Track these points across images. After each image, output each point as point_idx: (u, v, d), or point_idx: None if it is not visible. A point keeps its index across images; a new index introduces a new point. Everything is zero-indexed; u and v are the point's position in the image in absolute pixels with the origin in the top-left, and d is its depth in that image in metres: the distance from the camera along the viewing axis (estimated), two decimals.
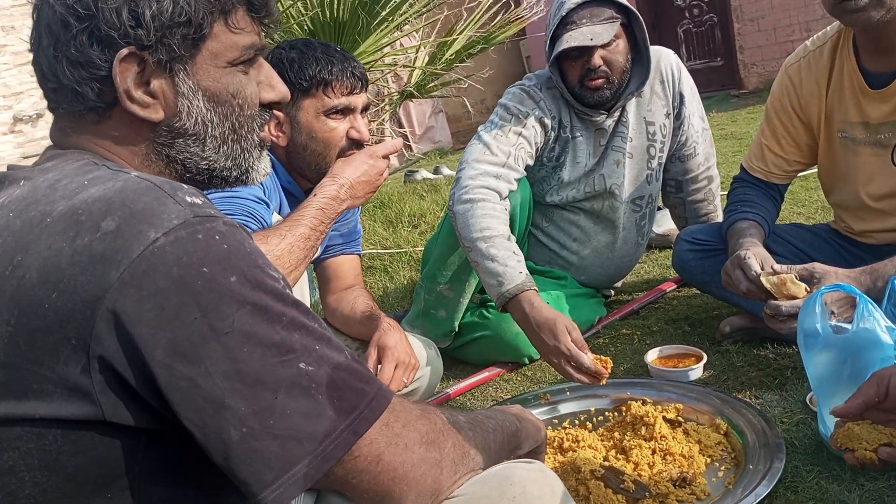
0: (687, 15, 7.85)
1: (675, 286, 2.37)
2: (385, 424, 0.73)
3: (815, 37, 1.83)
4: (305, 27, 3.52)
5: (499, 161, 1.92)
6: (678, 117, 2.15)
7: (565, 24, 1.92)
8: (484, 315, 2.06)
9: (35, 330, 0.66)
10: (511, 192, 1.93)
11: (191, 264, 0.66)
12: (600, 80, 1.95)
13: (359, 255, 1.94)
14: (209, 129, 0.84)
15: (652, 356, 1.83)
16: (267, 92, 0.89)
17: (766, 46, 6.99)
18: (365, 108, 1.65)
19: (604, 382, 1.58)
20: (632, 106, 2.09)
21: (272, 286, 0.70)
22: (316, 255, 1.73)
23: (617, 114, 2.08)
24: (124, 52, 0.78)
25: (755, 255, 1.62)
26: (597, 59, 1.92)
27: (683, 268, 2.02)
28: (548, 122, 2.02)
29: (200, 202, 0.71)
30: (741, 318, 1.87)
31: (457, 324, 2.06)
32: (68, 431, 0.66)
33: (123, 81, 0.79)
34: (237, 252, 0.69)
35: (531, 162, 2.02)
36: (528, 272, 1.78)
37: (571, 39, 1.89)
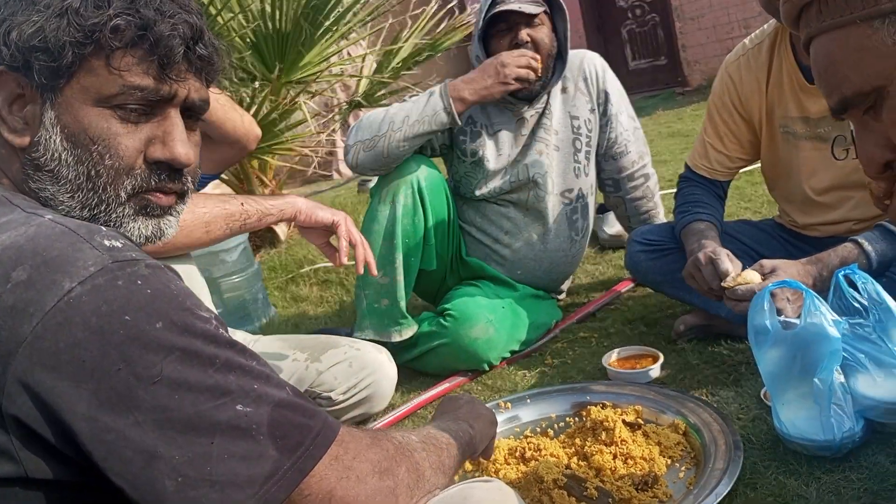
0: (630, 15, 7.97)
1: (630, 286, 2.39)
2: (334, 458, 0.71)
3: (753, 35, 1.86)
4: (248, 39, 3.47)
5: (390, 110, 2.06)
6: (604, 114, 2.22)
7: (495, 4, 2.03)
8: (441, 324, 2.05)
9: None
10: None
11: (111, 313, 0.63)
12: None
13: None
14: (62, 170, 0.77)
15: (610, 358, 1.83)
16: (156, 149, 0.80)
17: (707, 44, 7.14)
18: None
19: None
20: (556, 100, 2.17)
21: (202, 328, 0.67)
22: None
23: (541, 106, 2.15)
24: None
25: (725, 254, 1.62)
26: (524, 34, 2.04)
27: (636, 269, 2.04)
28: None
29: (120, 245, 0.68)
30: (695, 317, 1.89)
31: (403, 306, 2.04)
32: None
33: None
34: (162, 296, 0.66)
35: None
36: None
37: (502, 6, 2.01)
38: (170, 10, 0.78)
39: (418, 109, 1.97)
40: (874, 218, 1.69)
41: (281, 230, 3.82)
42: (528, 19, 2.04)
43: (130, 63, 0.77)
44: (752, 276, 1.55)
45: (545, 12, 2.08)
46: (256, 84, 3.48)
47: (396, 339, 2.02)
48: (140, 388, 0.62)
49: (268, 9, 3.26)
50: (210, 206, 1.42)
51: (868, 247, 1.53)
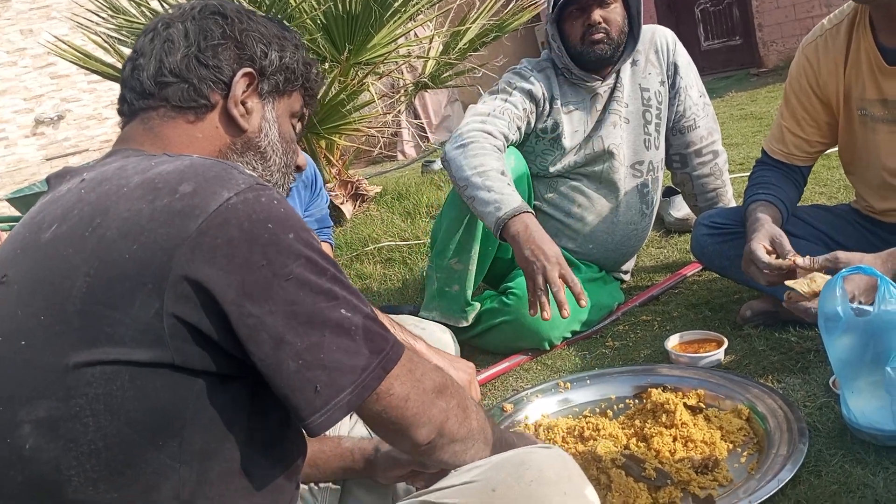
0: None
1: (696, 270, 2.35)
2: (407, 369, 0.84)
3: (831, 15, 1.80)
4: (318, 21, 3.53)
5: (483, 112, 2.07)
6: (673, 86, 2.21)
7: None
8: (504, 302, 2.07)
9: (113, 278, 0.73)
10: (504, 135, 2.03)
11: (259, 220, 0.77)
12: (600, 35, 2.06)
13: (331, 244, 2.00)
14: (272, 155, 1.02)
15: (672, 342, 1.82)
16: (299, 158, 1.09)
17: (785, 24, 6.87)
18: None
19: (567, 315, 1.71)
20: (626, 73, 2.17)
21: (317, 247, 0.82)
22: None
23: (612, 80, 2.16)
24: (248, 69, 0.97)
25: (761, 246, 1.61)
26: (596, 15, 2.05)
27: (702, 252, 2.00)
28: (537, 94, 2.12)
29: (257, 175, 0.87)
30: (762, 302, 1.86)
31: (470, 294, 2.07)
32: (136, 375, 0.73)
33: (237, 89, 0.96)
34: (291, 216, 0.80)
35: (521, 124, 2.11)
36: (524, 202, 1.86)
37: None
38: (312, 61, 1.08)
39: (483, 202, 1.85)
40: None
41: (347, 209, 3.89)
42: (601, 1, 2.03)
43: (303, 96, 1.07)
44: (821, 280, 1.50)
45: None
46: (326, 65, 3.54)
47: (462, 324, 2.06)
48: (276, 283, 0.76)
49: None
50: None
51: None
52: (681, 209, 2.78)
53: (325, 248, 2.05)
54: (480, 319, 2.10)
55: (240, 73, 0.97)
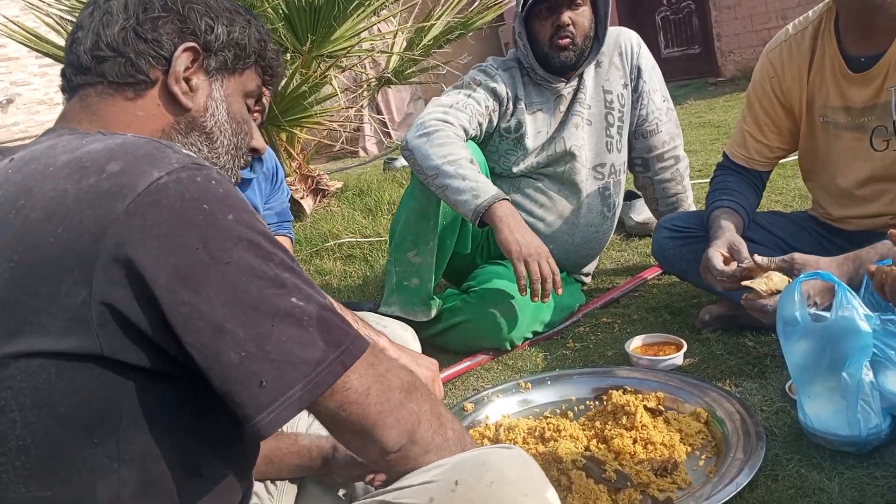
0: (664, 2, 7.84)
1: (656, 273, 2.37)
2: (370, 364, 0.78)
3: (795, 21, 1.82)
4: (280, 11, 3.47)
5: (446, 103, 2.06)
6: (636, 90, 2.22)
7: None
8: (466, 300, 2.06)
9: (38, 263, 0.69)
10: (464, 129, 2.03)
11: (192, 200, 0.71)
12: (567, 40, 2.06)
13: (291, 239, 1.97)
14: (219, 136, 0.96)
15: (633, 345, 1.82)
16: (254, 140, 1.03)
17: (742, 34, 7.02)
18: None
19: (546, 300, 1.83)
20: (590, 75, 2.18)
21: (262, 229, 0.76)
22: None
23: (575, 81, 2.17)
24: (191, 44, 0.91)
25: (718, 253, 1.64)
26: (565, 17, 2.05)
27: (663, 255, 2.02)
28: (501, 92, 2.12)
29: (195, 155, 0.79)
30: (720, 306, 1.88)
31: (431, 288, 2.05)
32: (63, 368, 0.69)
33: (178, 64, 0.90)
34: (232, 196, 0.75)
35: (482, 121, 2.10)
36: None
37: None
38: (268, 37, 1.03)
39: (458, 190, 1.86)
40: None
41: (307, 204, 3.83)
42: (570, 2, 2.04)
43: (259, 74, 1.01)
44: (778, 279, 1.53)
45: None
46: (287, 56, 3.48)
47: (422, 318, 2.04)
48: (213, 267, 0.70)
49: None
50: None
51: None
52: (642, 213, 2.80)
53: (285, 242, 2.02)
54: (442, 318, 2.08)
55: (181, 47, 0.91)
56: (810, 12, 1.79)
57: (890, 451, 1.26)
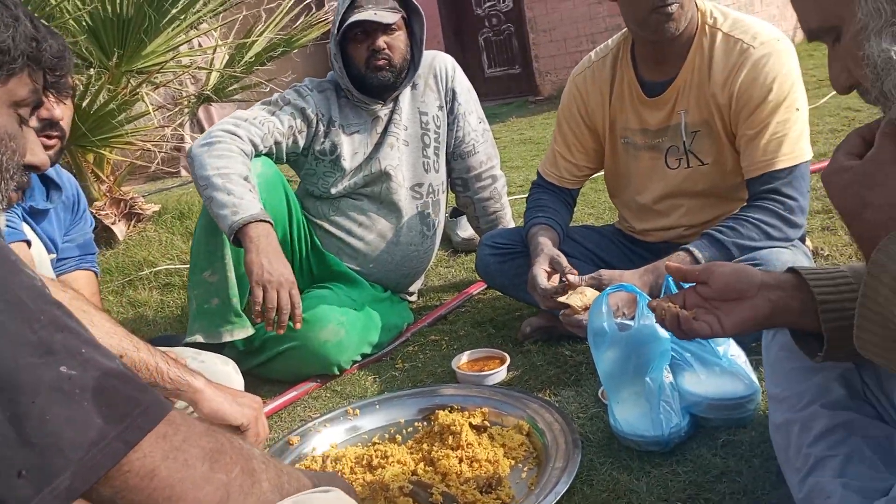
0: (486, 24, 8.17)
1: (481, 288, 2.43)
2: (161, 436, 0.67)
3: (597, 48, 1.95)
4: (84, 23, 3.21)
5: (242, 116, 2.03)
6: (451, 112, 2.27)
7: (353, 7, 2.04)
8: (290, 326, 1.98)
9: None
10: (254, 143, 1.99)
11: None
12: (383, 62, 2.07)
13: (95, 273, 1.84)
14: None
15: (459, 361, 1.85)
16: (31, 155, 0.93)
17: (558, 56, 7.46)
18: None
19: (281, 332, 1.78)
20: (406, 97, 2.21)
21: (27, 282, 0.64)
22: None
23: (392, 104, 2.19)
24: None
25: (542, 270, 1.72)
26: (380, 42, 2.06)
27: (486, 271, 2.07)
28: (310, 114, 2.11)
29: None
30: (540, 318, 1.95)
31: (238, 304, 1.96)
32: None
33: None
34: None
35: (281, 139, 2.08)
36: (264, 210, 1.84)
37: (359, 16, 2.01)
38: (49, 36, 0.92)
39: (221, 203, 1.80)
40: (702, 224, 1.81)
41: (119, 229, 3.56)
42: (386, 27, 2.04)
43: (36, 80, 0.90)
44: (591, 294, 1.62)
45: (402, 17, 2.09)
46: (92, 71, 3.23)
47: (227, 338, 1.93)
48: None
49: None
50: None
51: (698, 254, 1.64)
52: (467, 229, 2.87)
53: (88, 277, 1.84)
54: (265, 346, 1.99)
55: None
56: (610, 41, 1.92)
57: (689, 447, 1.36)
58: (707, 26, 1.70)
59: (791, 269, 0.99)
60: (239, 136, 1.96)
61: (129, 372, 0.68)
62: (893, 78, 0.71)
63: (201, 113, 6.59)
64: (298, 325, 1.79)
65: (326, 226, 2.19)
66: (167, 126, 3.73)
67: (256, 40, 3.86)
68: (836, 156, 0.83)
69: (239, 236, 1.78)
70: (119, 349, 1.18)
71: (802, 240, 1.77)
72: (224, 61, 3.99)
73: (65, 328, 0.65)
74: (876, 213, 0.78)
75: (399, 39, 2.09)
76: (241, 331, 1.95)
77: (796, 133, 1.63)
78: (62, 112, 1.61)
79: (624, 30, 1.86)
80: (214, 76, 3.91)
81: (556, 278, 1.72)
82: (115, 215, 3.57)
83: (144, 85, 3.44)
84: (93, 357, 0.65)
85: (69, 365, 0.63)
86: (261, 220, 1.79)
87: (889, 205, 0.78)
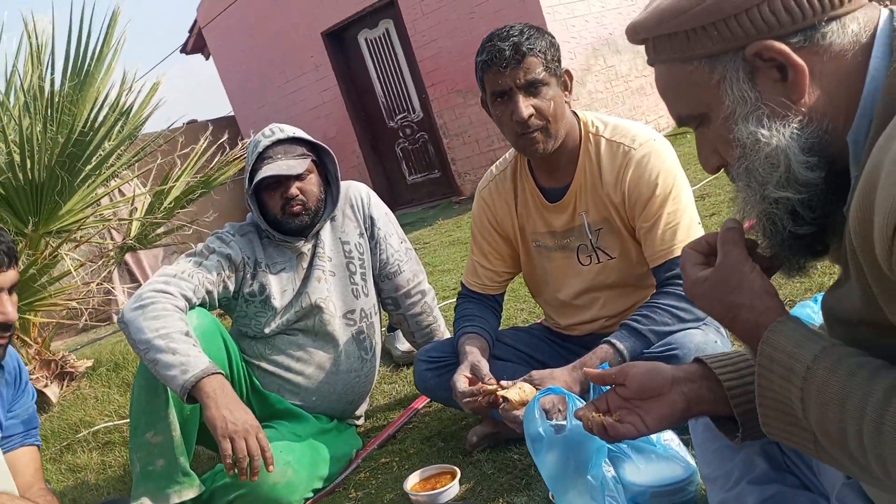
0: (401, 134, 8.48)
1: (426, 401, 2.45)
2: None
3: (497, 162, 2.08)
4: None
5: (170, 273, 2.05)
6: (373, 237, 2.34)
7: (262, 158, 2.11)
8: (236, 474, 1.95)
9: None
10: (186, 297, 2.00)
11: None
12: (298, 207, 2.13)
13: (38, 447, 1.82)
14: None
15: (410, 483, 1.85)
16: None
17: (473, 157, 7.76)
18: (13, 287, 1.63)
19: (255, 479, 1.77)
20: (326, 230, 2.27)
21: None
22: None
23: (313, 238, 2.25)
24: None
25: (462, 377, 1.79)
26: (293, 190, 2.12)
27: (425, 386, 2.10)
28: (236, 258, 2.15)
29: None
30: (484, 426, 1.98)
31: (185, 463, 1.92)
32: None
33: None
34: None
35: (212, 288, 2.10)
36: (211, 361, 1.84)
37: (269, 170, 2.07)
38: None
39: (167, 365, 1.81)
40: (621, 313, 1.91)
41: (52, 391, 3.46)
42: (297, 175, 2.11)
43: None
44: (530, 389, 1.67)
45: (312, 160, 2.17)
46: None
47: (175, 500, 1.88)
48: None
49: (17, 160, 3.06)
50: None
51: (620, 345, 1.72)
52: (405, 342, 2.90)
53: (32, 453, 1.78)
54: (214, 497, 1.95)
55: None
56: (508, 154, 2.06)
57: None
58: (591, 135, 1.86)
59: (697, 360, 1.04)
60: (171, 294, 1.97)
61: None
62: (760, 156, 0.81)
63: (129, 258, 6.54)
64: (271, 468, 1.78)
65: (265, 365, 2.20)
66: (92, 281, 3.70)
67: (174, 186, 3.92)
68: (686, 268, 0.92)
69: (193, 394, 1.77)
70: None
71: None
72: (144, 209, 4.03)
73: None
74: (748, 312, 0.87)
75: (311, 183, 2.16)
76: (190, 490, 1.91)
77: (687, 220, 1.77)
78: (12, 308, 1.61)
79: None
80: (136, 225, 3.93)
81: (480, 384, 1.77)
82: (47, 377, 3.48)
83: (66, 244, 3.44)
84: None
85: None
86: (212, 374, 1.80)
87: (756, 301, 0.87)
